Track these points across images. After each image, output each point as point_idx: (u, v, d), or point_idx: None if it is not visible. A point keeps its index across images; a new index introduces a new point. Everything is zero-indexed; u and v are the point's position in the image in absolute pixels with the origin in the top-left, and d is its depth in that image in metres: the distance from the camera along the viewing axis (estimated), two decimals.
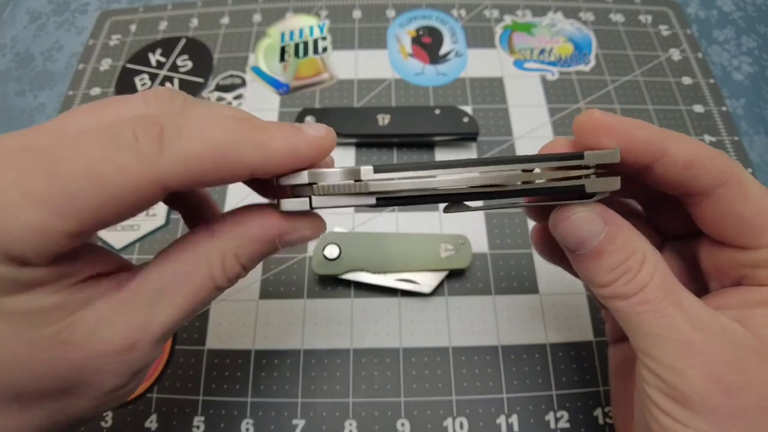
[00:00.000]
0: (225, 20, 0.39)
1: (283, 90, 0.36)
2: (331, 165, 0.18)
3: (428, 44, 0.38)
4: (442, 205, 0.18)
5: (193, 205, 0.19)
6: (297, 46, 0.38)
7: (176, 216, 0.31)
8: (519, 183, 0.16)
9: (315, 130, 0.16)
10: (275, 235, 0.16)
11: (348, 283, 0.29)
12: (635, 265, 0.16)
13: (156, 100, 0.15)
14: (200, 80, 0.37)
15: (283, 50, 0.38)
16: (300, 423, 0.25)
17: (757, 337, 0.15)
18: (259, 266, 0.29)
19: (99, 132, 0.13)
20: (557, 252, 0.21)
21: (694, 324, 0.15)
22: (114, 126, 0.13)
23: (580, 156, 0.16)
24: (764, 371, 0.15)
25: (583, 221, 0.16)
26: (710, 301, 0.17)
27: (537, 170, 0.16)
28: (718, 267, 0.18)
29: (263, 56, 0.38)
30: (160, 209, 0.31)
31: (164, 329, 0.15)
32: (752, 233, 0.16)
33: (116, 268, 0.15)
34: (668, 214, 0.20)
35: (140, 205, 0.13)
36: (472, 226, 0.30)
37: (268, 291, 0.29)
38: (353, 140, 0.33)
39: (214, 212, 0.21)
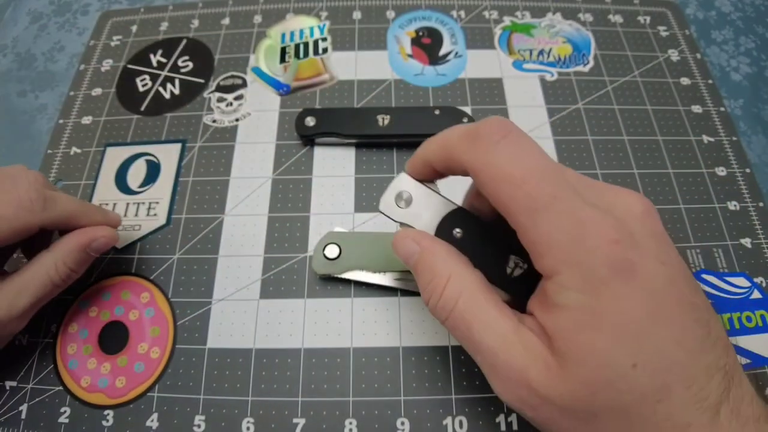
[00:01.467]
0: (226, 21, 0.40)
1: (284, 90, 0.36)
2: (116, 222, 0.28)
3: (428, 45, 0.38)
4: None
5: (35, 244, 0.27)
6: (297, 46, 0.38)
7: (177, 216, 0.31)
8: None
9: (113, 217, 0.28)
10: (85, 245, 0.25)
11: (348, 283, 0.29)
12: (438, 287, 0.18)
13: (35, 177, 0.25)
14: (201, 81, 0.37)
15: (283, 51, 0.38)
16: (300, 422, 0.25)
17: (551, 350, 0.16)
18: (260, 266, 0.29)
19: (10, 197, 0.23)
20: None
21: (496, 351, 0.17)
22: (18, 193, 0.23)
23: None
24: (557, 386, 0.16)
25: (399, 241, 0.20)
26: (530, 302, 0.18)
27: None
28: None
29: (264, 57, 0.38)
30: (162, 210, 0.31)
31: (23, 311, 0.24)
32: (506, 216, 0.17)
33: None
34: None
35: (25, 234, 0.24)
36: None
37: (268, 291, 0.29)
38: (353, 141, 0.33)
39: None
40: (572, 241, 0.15)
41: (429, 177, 0.21)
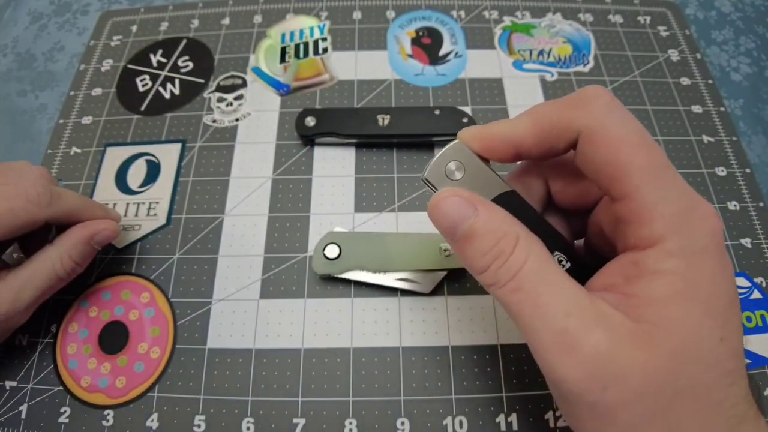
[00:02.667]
0: (226, 21, 0.40)
1: (284, 90, 0.36)
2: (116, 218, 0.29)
3: (428, 45, 0.38)
4: None
5: (33, 239, 0.27)
6: (297, 46, 0.38)
7: (177, 216, 0.31)
8: None
9: (114, 213, 0.29)
10: (88, 238, 0.26)
11: (348, 283, 0.29)
12: (507, 247, 0.16)
13: (40, 172, 0.26)
14: (201, 81, 0.37)
15: (283, 51, 0.38)
16: (300, 422, 0.25)
17: (635, 319, 0.15)
18: (260, 266, 0.29)
19: (17, 190, 0.24)
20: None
21: (568, 313, 0.15)
22: (25, 187, 0.24)
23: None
24: (638, 357, 0.14)
25: (445, 201, 0.17)
26: (598, 280, 0.17)
27: None
28: (614, 228, 0.17)
29: (264, 57, 0.38)
30: (162, 210, 0.31)
31: (28, 304, 0.24)
32: (615, 182, 0.16)
33: (1, 268, 0.25)
34: (571, 187, 0.20)
35: (30, 227, 0.24)
36: None
37: (268, 291, 0.29)
38: (353, 140, 0.33)
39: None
40: (684, 209, 0.15)
41: (504, 158, 0.19)
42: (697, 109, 0.35)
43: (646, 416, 0.14)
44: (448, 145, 0.19)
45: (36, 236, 0.26)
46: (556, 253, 0.18)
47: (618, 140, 0.16)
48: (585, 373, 0.15)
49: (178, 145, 0.34)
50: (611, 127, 0.16)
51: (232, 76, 0.37)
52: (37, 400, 0.26)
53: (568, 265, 0.18)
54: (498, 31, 0.39)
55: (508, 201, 0.18)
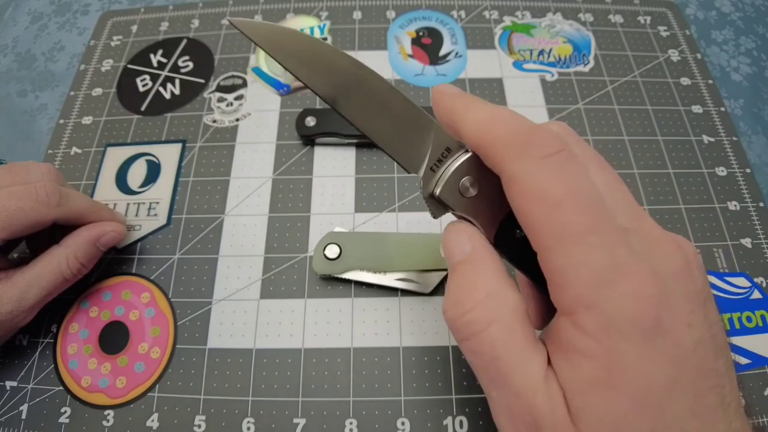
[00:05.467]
0: (226, 21, 0.40)
1: (284, 90, 0.36)
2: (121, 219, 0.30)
3: (428, 45, 0.38)
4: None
5: (41, 238, 0.27)
6: None
7: (178, 216, 0.31)
8: None
9: (120, 216, 0.30)
10: (95, 239, 0.26)
11: (348, 283, 0.29)
12: (470, 300, 0.16)
13: (49, 171, 0.26)
14: (201, 81, 0.37)
15: None
16: (301, 422, 0.25)
17: (570, 407, 0.14)
18: (260, 266, 0.29)
19: (28, 190, 0.24)
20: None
21: (524, 389, 0.15)
22: (35, 187, 0.24)
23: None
24: None
25: (453, 234, 0.18)
26: (545, 336, 0.16)
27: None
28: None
29: (264, 57, 0.38)
30: (162, 210, 0.31)
31: (33, 304, 0.24)
32: (529, 235, 0.15)
33: (7, 267, 0.25)
34: None
35: (39, 227, 0.24)
36: None
37: (268, 291, 0.29)
38: (353, 140, 0.33)
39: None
40: (600, 282, 0.14)
41: (442, 121, 0.18)
42: (697, 109, 0.35)
43: None
44: (460, 159, 0.17)
45: (44, 236, 0.26)
46: None
47: (534, 195, 0.14)
48: None
49: (179, 145, 0.34)
50: (532, 180, 0.15)
51: (233, 76, 0.37)
52: (37, 400, 0.26)
53: None
54: (498, 31, 0.39)
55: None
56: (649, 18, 0.39)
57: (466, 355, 0.16)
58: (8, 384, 0.27)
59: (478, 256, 0.17)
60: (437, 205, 0.18)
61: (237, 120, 0.35)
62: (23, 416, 0.26)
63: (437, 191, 0.17)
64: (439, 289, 0.28)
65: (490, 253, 0.17)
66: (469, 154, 0.17)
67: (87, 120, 0.35)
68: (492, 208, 0.17)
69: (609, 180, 0.17)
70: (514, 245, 0.18)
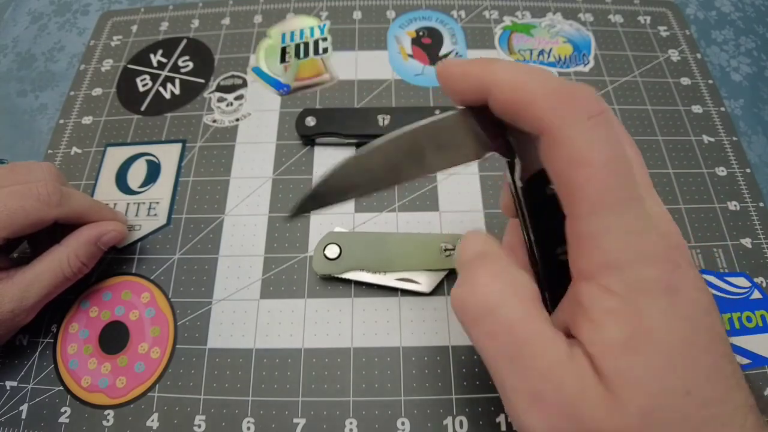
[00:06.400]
0: (226, 21, 0.40)
1: (284, 90, 0.36)
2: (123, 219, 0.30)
3: (428, 45, 0.38)
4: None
5: (42, 237, 0.27)
6: (298, 46, 0.38)
7: (178, 216, 0.31)
8: None
9: (121, 216, 0.30)
10: (96, 238, 0.26)
11: (348, 283, 0.29)
12: (488, 278, 0.16)
13: (50, 171, 0.26)
14: (201, 81, 0.37)
15: (283, 51, 0.38)
16: (301, 422, 0.25)
17: (599, 374, 0.14)
18: (260, 266, 0.29)
19: (29, 190, 0.24)
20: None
21: (552, 370, 0.14)
22: (37, 186, 0.24)
23: None
24: (613, 418, 0.13)
25: (467, 238, 0.18)
26: (557, 319, 0.16)
27: None
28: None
29: (264, 57, 0.38)
30: (162, 210, 0.31)
31: (33, 303, 0.24)
32: (564, 196, 0.15)
33: (8, 266, 0.25)
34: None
35: (40, 226, 0.25)
36: (471, 227, 0.30)
37: (268, 290, 0.29)
38: (354, 141, 0.33)
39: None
40: (628, 244, 0.14)
41: (465, 99, 0.17)
42: (697, 109, 0.35)
43: None
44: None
45: (45, 235, 0.26)
46: None
47: (577, 160, 0.14)
48: (554, 430, 0.14)
49: (179, 145, 0.34)
50: (578, 142, 0.14)
51: (233, 76, 0.37)
52: (37, 400, 0.26)
53: None
54: (498, 31, 0.39)
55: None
56: (649, 18, 0.39)
57: (480, 342, 0.15)
58: (8, 384, 0.27)
59: (491, 249, 0.17)
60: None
61: (237, 120, 0.35)
62: (23, 416, 0.26)
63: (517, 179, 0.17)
64: (439, 289, 0.28)
65: (501, 249, 0.17)
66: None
67: (87, 120, 0.35)
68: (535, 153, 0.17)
69: (629, 144, 0.17)
70: (545, 200, 0.17)
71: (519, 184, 0.18)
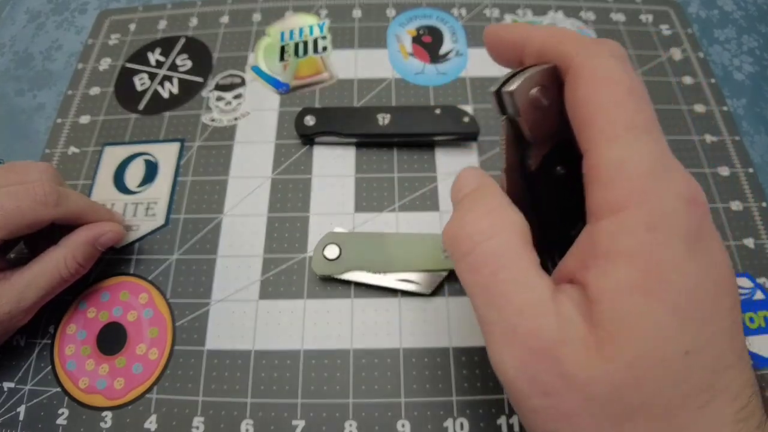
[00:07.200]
0: (224, 19, 0.39)
1: (283, 89, 0.36)
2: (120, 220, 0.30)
3: (428, 43, 0.38)
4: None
5: (39, 238, 0.27)
6: (297, 45, 0.38)
7: (176, 216, 0.31)
8: None
9: (118, 216, 0.30)
10: (93, 239, 0.26)
11: (348, 283, 0.28)
12: (478, 216, 0.16)
13: (47, 171, 0.26)
14: (200, 80, 0.36)
15: (282, 49, 0.38)
16: (300, 424, 0.25)
17: (592, 321, 0.13)
18: (259, 266, 0.29)
19: (26, 190, 0.24)
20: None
21: (529, 305, 0.14)
22: (34, 187, 0.24)
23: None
24: (590, 368, 0.12)
25: (462, 175, 0.18)
26: (564, 267, 0.15)
27: None
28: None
29: (263, 55, 0.37)
30: (160, 210, 0.31)
31: (30, 304, 0.24)
32: (584, 129, 0.14)
33: (5, 267, 0.25)
34: None
35: (36, 227, 0.24)
36: None
37: (268, 291, 0.29)
38: (353, 140, 0.33)
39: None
40: (656, 177, 0.13)
41: (502, 54, 0.18)
42: (699, 108, 0.35)
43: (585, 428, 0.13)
44: (538, 68, 0.16)
45: (42, 236, 0.26)
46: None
47: (601, 86, 0.14)
48: (531, 375, 0.13)
49: (177, 145, 0.34)
50: (604, 69, 0.14)
51: (231, 75, 0.37)
52: (35, 401, 0.26)
53: None
54: None
55: (567, 151, 0.16)
56: (651, 16, 0.39)
57: (464, 276, 0.15)
58: (5, 385, 0.26)
59: (484, 183, 0.17)
60: (506, 108, 0.17)
61: (235, 119, 0.35)
62: (21, 417, 0.26)
63: (512, 87, 0.16)
64: (439, 290, 0.28)
65: (496, 186, 0.17)
66: (545, 66, 0.16)
67: (85, 119, 0.35)
68: (548, 130, 0.17)
69: None
70: (550, 181, 0.17)
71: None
